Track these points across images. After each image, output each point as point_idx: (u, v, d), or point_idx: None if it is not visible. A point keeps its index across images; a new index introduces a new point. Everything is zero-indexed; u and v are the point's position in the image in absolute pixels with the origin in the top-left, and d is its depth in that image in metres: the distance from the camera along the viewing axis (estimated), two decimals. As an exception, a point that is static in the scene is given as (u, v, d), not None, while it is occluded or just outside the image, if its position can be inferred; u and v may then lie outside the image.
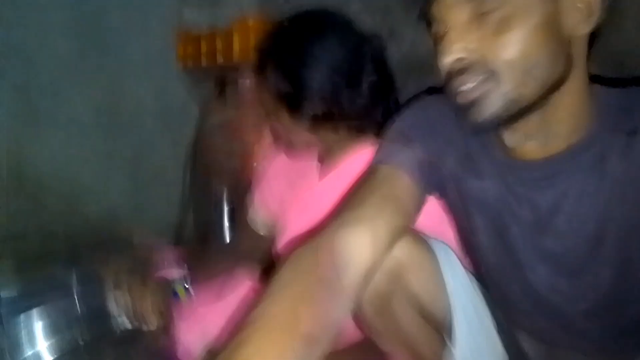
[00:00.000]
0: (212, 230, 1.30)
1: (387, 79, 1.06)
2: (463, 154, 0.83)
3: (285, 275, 0.70)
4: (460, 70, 0.67)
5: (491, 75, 0.66)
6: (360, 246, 0.73)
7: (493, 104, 0.67)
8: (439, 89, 0.75)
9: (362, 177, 0.84)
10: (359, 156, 1.02)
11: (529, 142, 0.73)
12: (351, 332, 0.97)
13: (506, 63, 0.65)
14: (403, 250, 0.82)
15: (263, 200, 1.26)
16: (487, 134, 0.78)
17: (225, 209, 1.19)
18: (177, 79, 1.88)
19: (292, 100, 1.00)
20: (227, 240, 1.32)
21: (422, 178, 0.82)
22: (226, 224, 1.26)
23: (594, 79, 0.74)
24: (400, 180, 0.81)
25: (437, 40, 0.72)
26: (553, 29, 0.66)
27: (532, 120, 0.70)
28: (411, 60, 1.27)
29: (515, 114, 0.68)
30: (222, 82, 1.83)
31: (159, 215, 1.94)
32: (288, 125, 1.04)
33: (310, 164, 1.15)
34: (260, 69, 1.04)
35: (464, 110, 0.70)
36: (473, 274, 0.92)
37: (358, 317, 0.88)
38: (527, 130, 0.72)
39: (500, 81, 0.66)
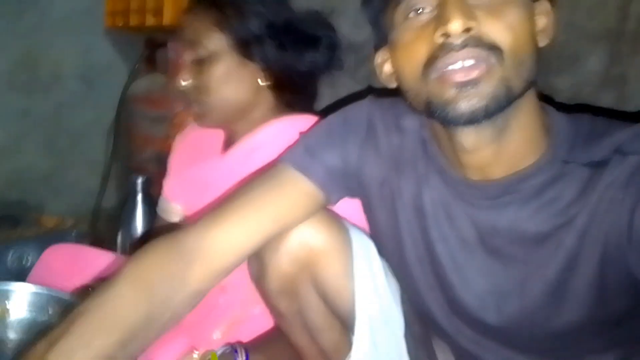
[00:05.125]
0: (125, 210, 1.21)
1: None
2: (400, 158, 0.80)
3: (133, 268, 0.70)
4: (465, 42, 0.62)
5: (495, 52, 0.62)
6: (218, 245, 0.74)
7: (492, 85, 0.62)
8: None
9: (265, 171, 0.82)
10: (268, 130, 1.02)
11: (481, 153, 0.69)
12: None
13: (510, 44, 0.62)
14: (317, 239, 0.81)
15: (171, 186, 1.18)
16: (439, 138, 0.74)
17: (140, 193, 1.11)
18: (104, 38, 1.76)
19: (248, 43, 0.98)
20: (138, 227, 1.23)
21: (332, 185, 0.81)
22: (139, 204, 1.17)
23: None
24: (300, 186, 0.80)
25: (403, 22, 0.68)
26: (533, 28, 0.66)
27: (494, 125, 0.66)
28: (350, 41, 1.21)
29: (499, 108, 0.64)
30: (152, 44, 1.72)
31: (78, 182, 1.84)
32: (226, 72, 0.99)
33: (216, 139, 1.10)
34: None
35: (449, 96, 0.64)
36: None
37: (265, 297, 0.87)
38: (486, 135, 0.67)
39: (504, 61, 0.62)
